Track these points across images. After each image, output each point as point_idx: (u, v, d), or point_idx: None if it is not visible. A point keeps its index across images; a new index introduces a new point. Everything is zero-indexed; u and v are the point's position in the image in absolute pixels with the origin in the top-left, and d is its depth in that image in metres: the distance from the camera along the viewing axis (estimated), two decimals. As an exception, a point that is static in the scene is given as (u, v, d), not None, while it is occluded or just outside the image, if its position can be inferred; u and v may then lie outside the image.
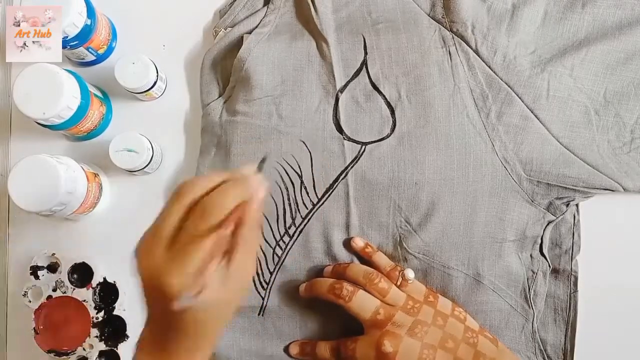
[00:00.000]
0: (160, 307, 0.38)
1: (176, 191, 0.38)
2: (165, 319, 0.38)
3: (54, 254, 0.59)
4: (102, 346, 0.58)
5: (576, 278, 0.55)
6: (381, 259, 0.53)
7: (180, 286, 0.36)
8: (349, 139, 0.54)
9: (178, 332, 0.38)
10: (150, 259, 0.37)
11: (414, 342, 0.48)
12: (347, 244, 0.54)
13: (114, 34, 0.61)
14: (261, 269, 0.55)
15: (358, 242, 0.54)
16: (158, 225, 0.38)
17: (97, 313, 0.58)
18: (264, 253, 0.55)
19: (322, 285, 0.52)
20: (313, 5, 0.56)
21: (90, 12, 0.56)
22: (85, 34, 0.56)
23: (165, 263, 0.36)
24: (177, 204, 0.38)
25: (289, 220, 0.54)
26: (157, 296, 0.37)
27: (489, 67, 0.53)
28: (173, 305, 0.36)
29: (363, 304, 0.50)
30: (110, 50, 0.61)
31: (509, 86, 0.53)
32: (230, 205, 0.37)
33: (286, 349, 0.55)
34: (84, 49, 0.58)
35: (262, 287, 0.55)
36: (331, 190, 0.54)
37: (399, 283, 0.51)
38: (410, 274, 0.51)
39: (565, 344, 0.55)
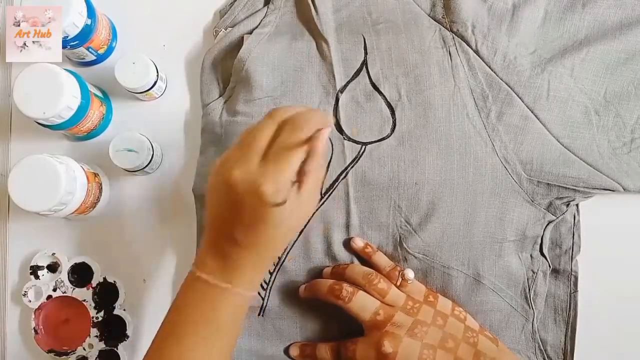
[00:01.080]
0: (241, 217, 0.41)
1: (269, 112, 0.42)
2: (240, 231, 0.41)
3: (54, 254, 0.59)
4: (102, 346, 0.58)
5: (576, 278, 0.55)
6: (381, 259, 0.53)
7: (275, 191, 0.39)
8: (349, 139, 0.54)
9: (248, 245, 0.41)
10: (245, 167, 0.40)
11: (414, 342, 0.48)
12: (347, 244, 0.54)
13: (114, 34, 0.61)
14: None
15: (358, 242, 0.54)
16: (250, 138, 0.41)
17: (97, 313, 0.58)
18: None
19: (322, 286, 0.52)
20: (313, 5, 0.56)
21: (91, 12, 0.56)
22: (85, 34, 0.56)
23: (261, 171, 0.39)
24: (269, 121, 0.42)
25: None
26: (247, 202, 0.40)
27: (489, 67, 0.53)
28: (267, 203, 0.39)
29: (363, 304, 0.50)
30: (110, 50, 0.61)
31: (509, 86, 0.53)
32: (315, 125, 0.40)
33: (286, 351, 0.55)
34: (84, 49, 0.58)
35: (262, 287, 0.55)
36: (331, 191, 0.54)
37: (398, 283, 0.51)
38: (410, 274, 0.51)
39: (565, 344, 0.55)
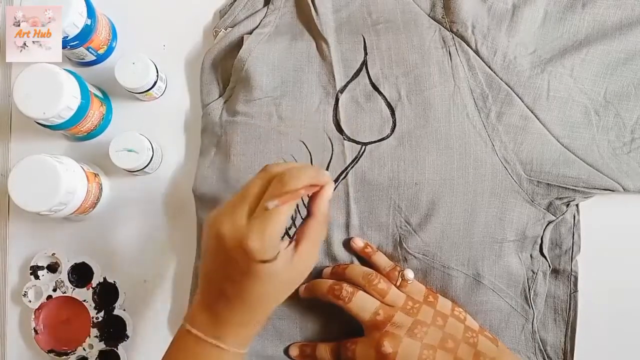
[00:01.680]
0: (230, 272, 0.40)
1: (262, 168, 0.42)
2: (229, 286, 0.40)
3: (54, 254, 0.59)
4: (102, 346, 0.58)
5: (576, 278, 0.55)
6: (381, 259, 0.53)
7: (261, 247, 0.38)
8: (349, 139, 0.54)
9: (237, 301, 0.41)
10: (233, 222, 0.39)
11: (414, 342, 0.48)
12: (347, 244, 0.54)
13: (114, 34, 0.61)
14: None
15: (358, 242, 0.54)
16: (242, 193, 0.41)
17: (97, 313, 0.58)
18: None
19: (322, 286, 0.52)
20: (313, 5, 0.56)
21: (91, 12, 0.56)
22: (85, 34, 0.56)
23: (248, 226, 0.39)
24: (260, 175, 0.41)
25: (289, 221, 0.54)
26: (234, 257, 0.39)
27: (489, 67, 0.53)
28: (253, 259, 0.38)
29: (362, 304, 0.50)
30: (110, 50, 0.61)
31: (509, 86, 0.53)
32: (305, 180, 0.40)
33: (286, 351, 0.55)
34: (84, 49, 0.58)
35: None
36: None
37: (398, 283, 0.51)
38: (409, 274, 0.51)
39: (565, 344, 0.55)
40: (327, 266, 0.54)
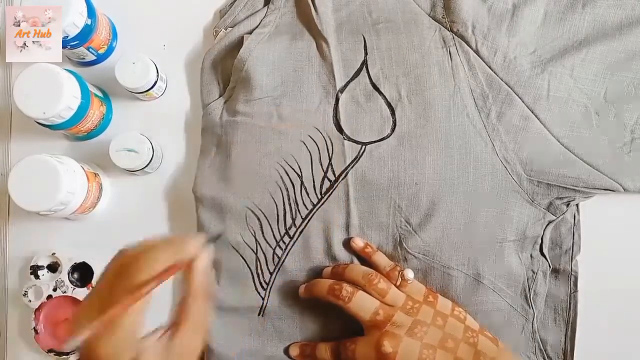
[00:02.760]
0: None
1: (113, 257, 0.38)
2: None
3: (54, 254, 0.59)
4: (102, 346, 0.58)
5: (576, 278, 0.55)
6: (381, 259, 0.53)
7: (112, 347, 0.34)
8: (349, 139, 0.54)
9: None
10: (82, 320, 0.35)
11: (414, 342, 0.48)
12: (347, 244, 0.54)
13: (114, 34, 0.61)
14: (261, 270, 0.55)
15: (358, 242, 0.54)
16: (93, 289, 0.36)
17: (97, 313, 0.58)
18: (264, 253, 0.55)
19: (322, 286, 0.52)
20: (313, 5, 0.56)
21: (91, 11, 0.56)
22: (85, 34, 0.56)
23: (96, 335, 0.34)
24: (111, 267, 0.37)
25: (289, 221, 0.54)
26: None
27: (489, 67, 0.53)
28: None
29: (362, 304, 0.50)
30: (110, 50, 0.61)
31: (509, 86, 0.53)
32: (162, 264, 0.35)
33: (286, 351, 0.55)
34: (84, 49, 0.58)
35: (262, 287, 0.55)
36: (331, 191, 0.54)
37: (398, 283, 0.51)
38: (409, 274, 0.51)
39: (565, 344, 0.55)
40: (327, 266, 0.54)
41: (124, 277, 0.36)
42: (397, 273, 0.51)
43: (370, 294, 0.50)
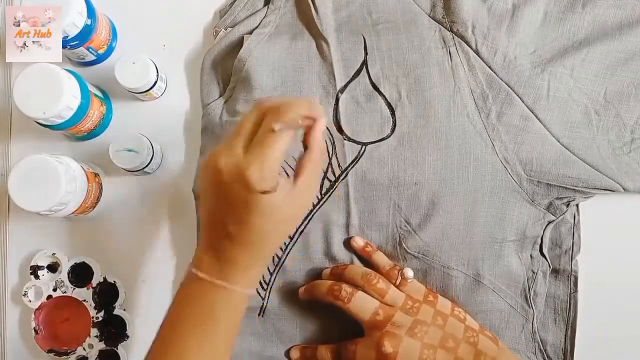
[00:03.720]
0: (231, 208, 0.40)
1: (253, 104, 0.42)
2: (231, 224, 0.40)
3: (54, 254, 0.59)
4: (102, 346, 0.58)
5: (576, 278, 0.55)
6: (381, 258, 0.53)
7: (259, 176, 0.38)
8: (349, 139, 0.54)
9: (240, 239, 0.40)
10: (229, 155, 0.39)
11: (414, 342, 0.48)
12: (347, 243, 0.54)
13: (114, 34, 0.61)
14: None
15: (358, 242, 0.54)
16: (236, 130, 0.41)
17: (97, 313, 0.58)
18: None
19: (321, 287, 0.52)
20: (313, 5, 0.56)
21: (91, 12, 0.56)
22: (85, 34, 0.56)
23: (245, 157, 0.39)
24: (254, 110, 0.41)
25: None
26: (234, 191, 0.39)
27: (489, 67, 0.53)
28: (253, 189, 0.38)
29: (362, 305, 0.50)
30: (110, 50, 0.61)
31: (509, 86, 0.53)
32: (302, 111, 0.40)
33: (287, 354, 0.55)
34: (84, 49, 0.58)
35: (262, 287, 0.55)
36: (331, 191, 0.54)
37: (398, 282, 0.51)
38: (409, 272, 0.51)
39: (565, 344, 0.55)
40: (327, 267, 0.54)
41: (268, 118, 0.40)
42: (396, 272, 0.51)
43: (369, 294, 0.50)
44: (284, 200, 0.40)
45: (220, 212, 0.41)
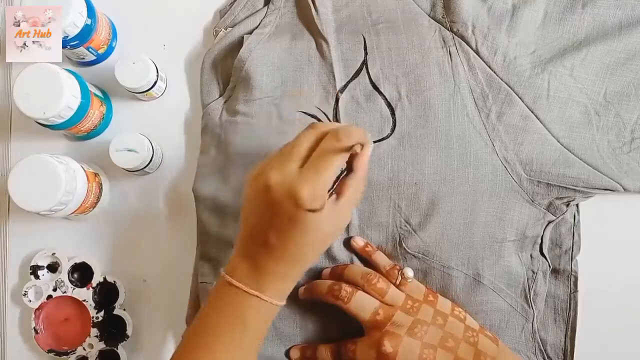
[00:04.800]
0: (276, 221, 0.41)
1: (309, 125, 0.44)
2: (274, 235, 0.41)
3: (54, 254, 0.59)
4: (102, 346, 0.58)
5: (576, 278, 0.55)
6: (381, 258, 0.53)
7: (312, 196, 0.40)
8: (349, 139, 0.54)
9: (280, 251, 0.42)
10: (283, 172, 0.41)
11: (414, 341, 0.48)
12: (347, 243, 0.54)
13: (114, 34, 0.61)
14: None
15: (358, 241, 0.54)
16: (291, 148, 0.42)
17: (97, 313, 0.58)
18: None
19: (321, 287, 0.52)
20: (313, 5, 0.56)
21: (91, 11, 0.56)
22: (85, 34, 0.56)
23: (301, 176, 0.40)
24: (310, 131, 0.43)
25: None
26: (283, 207, 0.40)
27: (489, 67, 0.53)
28: (303, 207, 0.39)
29: (362, 304, 0.50)
30: (110, 50, 0.61)
31: (509, 86, 0.53)
32: (356, 137, 0.41)
33: (287, 353, 0.55)
34: (84, 49, 0.58)
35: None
36: (331, 191, 0.54)
37: (398, 282, 0.51)
38: (409, 272, 0.51)
39: (565, 344, 0.55)
40: (327, 267, 0.54)
41: (326, 140, 0.41)
42: (396, 272, 0.51)
43: (369, 294, 0.50)
44: (327, 219, 0.41)
45: (264, 223, 0.42)
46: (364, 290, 0.51)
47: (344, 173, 0.45)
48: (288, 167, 0.41)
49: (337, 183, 0.45)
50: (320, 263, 0.55)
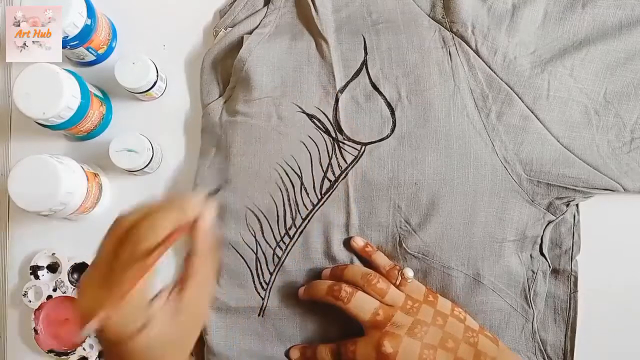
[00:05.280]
0: (109, 348, 0.35)
1: (110, 226, 0.36)
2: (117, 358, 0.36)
3: (54, 254, 0.59)
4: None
5: (576, 278, 0.55)
6: (381, 258, 0.53)
7: (120, 319, 0.33)
8: (349, 140, 0.54)
9: None
10: (87, 297, 0.34)
11: (414, 342, 0.48)
12: (347, 243, 0.54)
13: (114, 34, 0.61)
14: (261, 270, 0.55)
15: (358, 242, 0.54)
16: (93, 262, 0.36)
17: (97, 313, 0.58)
18: (264, 254, 0.55)
19: (321, 288, 0.52)
20: (313, 5, 0.56)
21: (91, 12, 0.56)
22: (85, 34, 0.56)
23: (103, 297, 0.33)
24: (109, 236, 0.36)
25: (289, 221, 0.54)
26: (101, 336, 0.35)
27: (489, 67, 0.53)
28: (122, 340, 0.33)
29: (362, 305, 0.50)
30: (110, 50, 0.61)
31: (509, 86, 0.53)
32: (165, 229, 0.34)
33: (287, 353, 0.55)
34: (84, 49, 0.58)
35: (262, 287, 0.55)
36: (331, 191, 0.54)
37: (398, 282, 0.51)
38: (409, 272, 0.51)
39: (565, 344, 0.55)
40: (327, 267, 0.54)
41: (125, 247, 0.34)
42: (396, 272, 0.51)
43: (369, 294, 0.50)
44: (165, 327, 0.35)
45: (104, 346, 0.36)
46: (363, 291, 0.50)
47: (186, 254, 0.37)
48: (91, 287, 0.34)
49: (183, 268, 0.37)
50: (320, 263, 0.55)
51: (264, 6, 0.58)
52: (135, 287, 0.33)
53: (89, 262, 0.58)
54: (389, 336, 0.48)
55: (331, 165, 0.54)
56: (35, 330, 0.58)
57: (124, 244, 0.34)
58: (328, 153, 0.54)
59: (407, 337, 0.48)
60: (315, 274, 0.55)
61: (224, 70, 0.59)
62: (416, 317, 0.49)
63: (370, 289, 0.50)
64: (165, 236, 0.34)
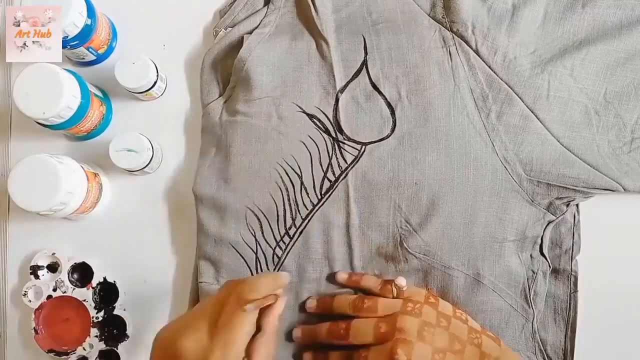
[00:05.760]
0: None
1: (225, 283, 0.44)
2: None
3: (54, 254, 0.59)
4: (102, 346, 0.58)
5: (576, 278, 0.55)
6: (369, 281, 0.53)
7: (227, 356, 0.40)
8: (349, 139, 0.54)
9: None
10: (194, 337, 0.40)
11: (425, 346, 0.47)
12: (347, 244, 0.54)
13: (114, 34, 0.61)
14: (261, 270, 0.55)
15: (342, 275, 0.54)
16: (200, 310, 0.42)
17: (97, 313, 0.58)
18: (263, 253, 0.55)
19: (321, 333, 0.52)
20: (313, 5, 0.56)
21: (91, 11, 0.56)
22: (85, 34, 0.56)
23: (212, 342, 0.40)
24: (221, 290, 0.43)
25: (289, 221, 0.54)
26: None
27: (489, 67, 0.53)
28: None
29: (361, 332, 0.49)
30: (110, 50, 0.61)
31: (509, 86, 0.53)
32: (265, 288, 0.42)
33: (296, 357, 0.54)
34: (84, 49, 0.58)
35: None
36: (331, 191, 0.54)
37: (395, 294, 0.51)
38: (401, 281, 0.51)
39: (565, 344, 0.55)
40: (326, 267, 0.54)
41: (237, 295, 0.41)
42: (389, 286, 0.51)
43: (364, 318, 0.50)
44: None
45: None
46: (357, 317, 0.50)
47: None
48: (199, 330, 0.41)
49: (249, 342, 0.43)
50: (320, 263, 0.54)
51: (264, 6, 0.58)
52: (237, 339, 0.40)
53: (89, 262, 0.58)
54: (401, 343, 0.47)
55: (331, 165, 0.54)
56: (35, 330, 0.58)
57: (232, 295, 0.42)
58: (328, 153, 0.54)
59: (418, 342, 0.47)
60: (314, 278, 0.54)
61: (224, 70, 0.59)
62: (421, 319, 0.49)
63: (361, 314, 0.50)
64: (262, 297, 0.41)
